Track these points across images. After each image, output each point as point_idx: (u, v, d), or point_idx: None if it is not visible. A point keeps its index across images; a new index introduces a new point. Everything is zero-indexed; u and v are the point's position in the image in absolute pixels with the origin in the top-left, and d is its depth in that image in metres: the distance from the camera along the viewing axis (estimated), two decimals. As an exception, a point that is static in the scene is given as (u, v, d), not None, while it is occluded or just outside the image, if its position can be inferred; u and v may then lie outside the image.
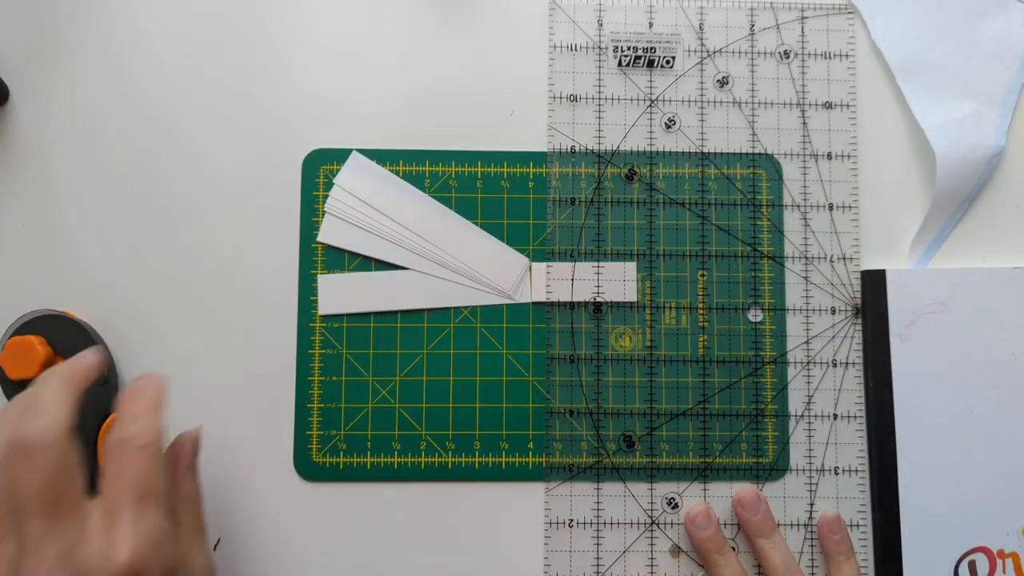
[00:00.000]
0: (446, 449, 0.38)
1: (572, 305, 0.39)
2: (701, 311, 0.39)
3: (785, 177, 0.40)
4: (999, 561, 0.37)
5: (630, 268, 0.39)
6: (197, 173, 0.39)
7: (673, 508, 0.38)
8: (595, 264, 0.39)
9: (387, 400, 0.38)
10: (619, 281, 0.39)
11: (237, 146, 0.39)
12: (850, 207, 0.40)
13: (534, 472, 0.38)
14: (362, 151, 0.39)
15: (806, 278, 0.39)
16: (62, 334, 0.36)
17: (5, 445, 0.26)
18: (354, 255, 0.39)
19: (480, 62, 0.40)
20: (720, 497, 0.38)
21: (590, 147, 0.40)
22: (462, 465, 0.38)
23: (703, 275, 0.39)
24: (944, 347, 0.38)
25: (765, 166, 0.40)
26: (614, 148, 0.40)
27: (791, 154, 0.40)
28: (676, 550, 0.37)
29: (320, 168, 0.39)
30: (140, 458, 0.27)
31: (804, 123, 0.40)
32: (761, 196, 0.40)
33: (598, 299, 0.39)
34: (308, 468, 0.37)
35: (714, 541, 0.36)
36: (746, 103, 0.40)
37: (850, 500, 0.38)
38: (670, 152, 0.40)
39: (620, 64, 0.40)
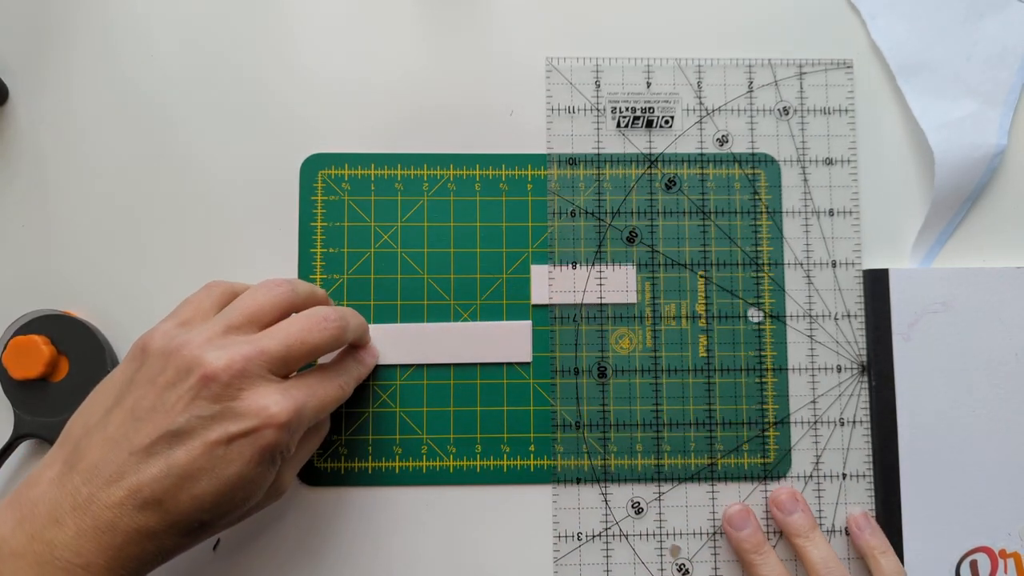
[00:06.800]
0: (447, 453, 0.38)
1: (575, 317, 0.38)
2: (702, 319, 0.39)
3: (784, 183, 0.40)
4: (1001, 561, 0.37)
5: (631, 272, 0.39)
6: (196, 175, 0.39)
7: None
8: (597, 269, 0.39)
9: (387, 404, 0.38)
10: (621, 291, 0.39)
11: (236, 149, 0.39)
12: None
13: (536, 475, 0.38)
14: (360, 155, 0.39)
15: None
16: (65, 333, 0.36)
17: (295, 283, 0.33)
18: (353, 260, 0.38)
19: (478, 65, 0.40)
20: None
21: (590, 210, 0.39)
22: (463, 469, 0.37)
23: (703, 276, 0.39)
24: (946, 346, 0.38)
25: (764, 168, 0.40)
26: (615, 210, 0.39)
27: (789, 160, 0.40)
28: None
29: (318, 173, 0.39)
30: (325, 332, 0.32)
31: (805, 179, 0.40)
32: (760, 205, 0.39)
33: (601, 302, 0.38)
34: (309, 473, 0.37)
35: (751, 541, 0.36)
36: (746, 162, 0.40)
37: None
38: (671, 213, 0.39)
39: (619, 125, 0.40)
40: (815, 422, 0.38)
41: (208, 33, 0.40)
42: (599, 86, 0.40)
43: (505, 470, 0.38)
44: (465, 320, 0.38)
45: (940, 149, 0.39)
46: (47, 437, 0.36)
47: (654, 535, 0.37)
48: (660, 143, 0.40)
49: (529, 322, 0.38)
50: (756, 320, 0.39)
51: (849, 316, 0.39)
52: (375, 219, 0.39)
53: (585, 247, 0.39)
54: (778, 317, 0.39)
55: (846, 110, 0.40)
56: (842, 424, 0.38)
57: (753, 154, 0.40)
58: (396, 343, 0.38)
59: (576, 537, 0.37)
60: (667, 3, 0.41)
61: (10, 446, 0.36)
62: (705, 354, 0.38)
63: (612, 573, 0.37)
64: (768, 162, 0.40)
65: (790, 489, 0.37)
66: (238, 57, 0.40)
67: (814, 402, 0.38)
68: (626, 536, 0.37)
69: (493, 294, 0.39)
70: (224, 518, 0.29)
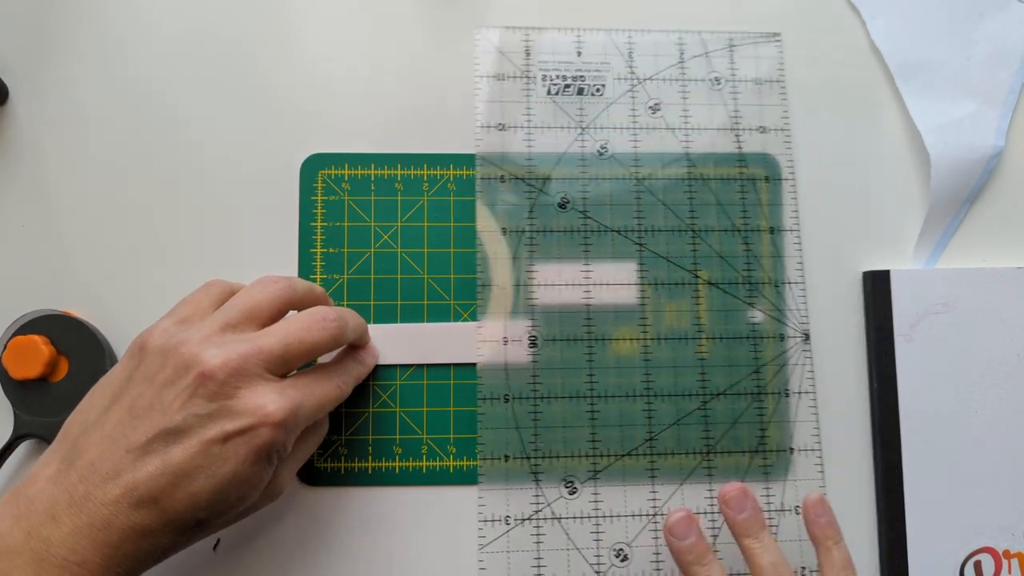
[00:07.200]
0: (447, 453, 0.37)
1: (561, 321, 0.38)
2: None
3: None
4: (1005, 561, 0.37)
5: (630, 269, 0.39)
6: (197, 175, 0.39)
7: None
8: (584, 266, 0.39)
9: (387, 404, 0.38)
10: (618, 289, 0.39)
11: (236, 149, 0.39)
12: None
13: (536, 476, 0.37)
14: (360, 155, 0.39)
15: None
16: (65, 333, 0.36)
17: (295, 281, 0.33)
18: (353, 260, 0.38)
19: (477, 65, 0.40)
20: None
21: (520, 176, 0.39)
22: (463, 469, 0.37)
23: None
24: (948, 347, 0.38)
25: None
26: (546, 176, 0.39)
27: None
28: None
29: (318, 173, 0.39)
30: (324, 332, 0.31)
31: (739, 147, 0.40)
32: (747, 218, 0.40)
33: (589, 302, 0.38)
34: (309, 473, 0.37)
35: (694, 552, 0.33)
36: (679, 128, 0.40)
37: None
38: (605, 179, 0.39)
39: (549, 92, 0.40)
40: (758, 393, 0.38)
41: (208, 33, 0.40)
42: (529, 54, 0.40)
43: (505, 470, 0.37)
44: (465, 320, 0.38)
45: (936, 151, 0.39)
46: (47, 437, 0.36)
47: (589, 517, 0.36)
48: (591, 110, 0.40)
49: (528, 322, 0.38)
50: (755, 320, 0.38)
51: (790, 283, 0.39)
52: (375, 219, 0.39)
53: (515, 215, 0.39)
54: (716, 285, 0.38)
55: (776, 81, 0.40)
56: (787, 395, 0.38)
57: (686, 120, 0.40)
58: (396, 343, 0.38)
59: (504, 521, 0.36)
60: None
61: (10, 446, 0.36)
62: (643, 328, 0.38)
63: (543, 560, 0.36)
64: (700, 130, 0.40)
65: (740, 485, 0.34)
66: (238, 57, 0.40)
67: (756, 372, 0.38)
68: (559, 519, 0.36)
69: (493, 294, 0.39)
70: (220, 517, 0.29)
